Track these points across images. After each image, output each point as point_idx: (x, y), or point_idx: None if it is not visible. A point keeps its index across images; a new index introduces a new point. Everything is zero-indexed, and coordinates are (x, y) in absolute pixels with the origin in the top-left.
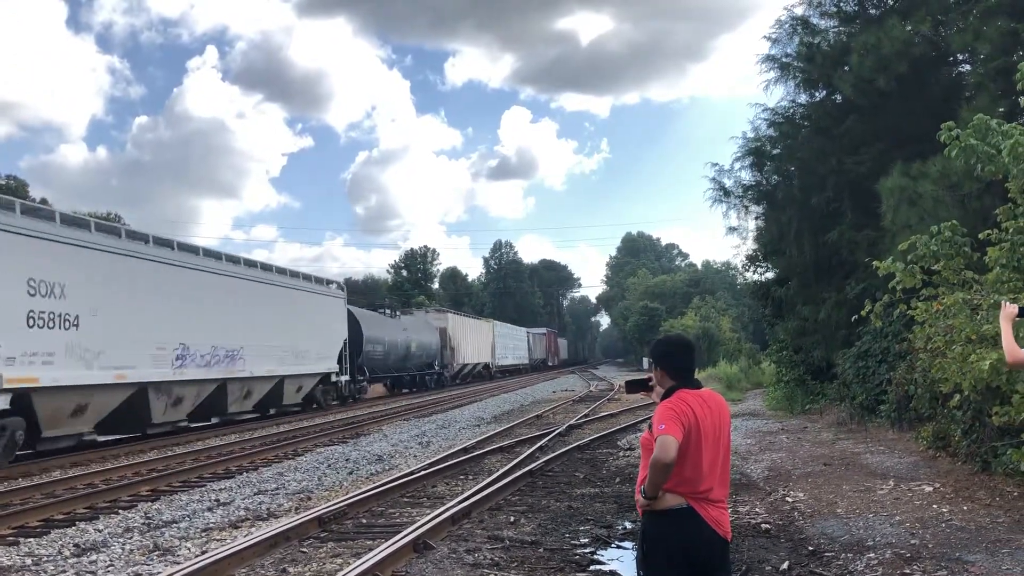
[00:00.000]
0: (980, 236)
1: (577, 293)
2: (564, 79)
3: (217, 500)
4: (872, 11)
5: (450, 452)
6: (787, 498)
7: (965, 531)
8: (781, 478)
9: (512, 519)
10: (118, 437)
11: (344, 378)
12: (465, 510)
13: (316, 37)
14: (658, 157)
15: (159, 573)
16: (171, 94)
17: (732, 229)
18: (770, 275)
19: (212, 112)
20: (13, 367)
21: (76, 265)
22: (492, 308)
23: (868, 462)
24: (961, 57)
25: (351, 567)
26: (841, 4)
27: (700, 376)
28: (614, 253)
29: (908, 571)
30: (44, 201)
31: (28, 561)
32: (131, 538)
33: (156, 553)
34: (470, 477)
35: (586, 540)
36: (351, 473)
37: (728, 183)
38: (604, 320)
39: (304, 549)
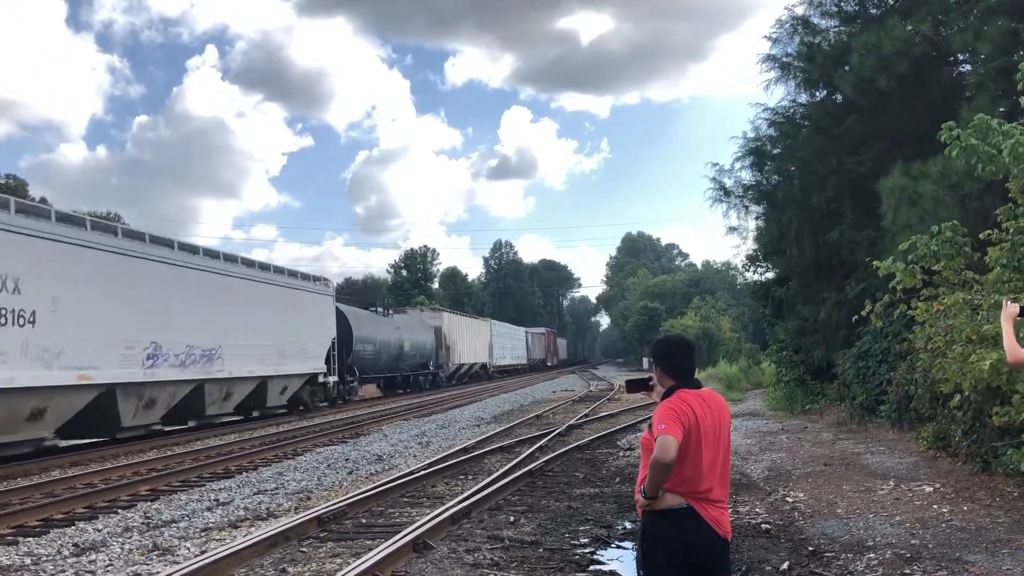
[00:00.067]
0: (980, 236)
1: (577, 293)
2: (564, 79)
3: (216, 500)
4: (873, 11)
5: (450, 452)
6: (787, 498)
7: (965, 531)
8: (781, 478)
9: (512, 519)
10: (85, 442)
11: (332, 379)
12: (465, 510)
13: (316, 37)
14: (658, 157)
15: (158, 573)
16: (171, 93)
17: (732, 229)
18: (770, 275)
19: (212, 111)
20: None
21: (33, 257)
22: (492, 308)
23: (868, 462)
24: (962, 57)
25: (351, 567)
26: (842, 4)
27: (700, 376)
28: (614, 253)
29: (908, 571)
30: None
31: (27, 561)
32: (130, 538)
33: (155, 553)
34: (470, 477)
35: (586, 540)
36: (351, 473)
37: (728, 183)
38: (604, 320)
39: (304, 549)
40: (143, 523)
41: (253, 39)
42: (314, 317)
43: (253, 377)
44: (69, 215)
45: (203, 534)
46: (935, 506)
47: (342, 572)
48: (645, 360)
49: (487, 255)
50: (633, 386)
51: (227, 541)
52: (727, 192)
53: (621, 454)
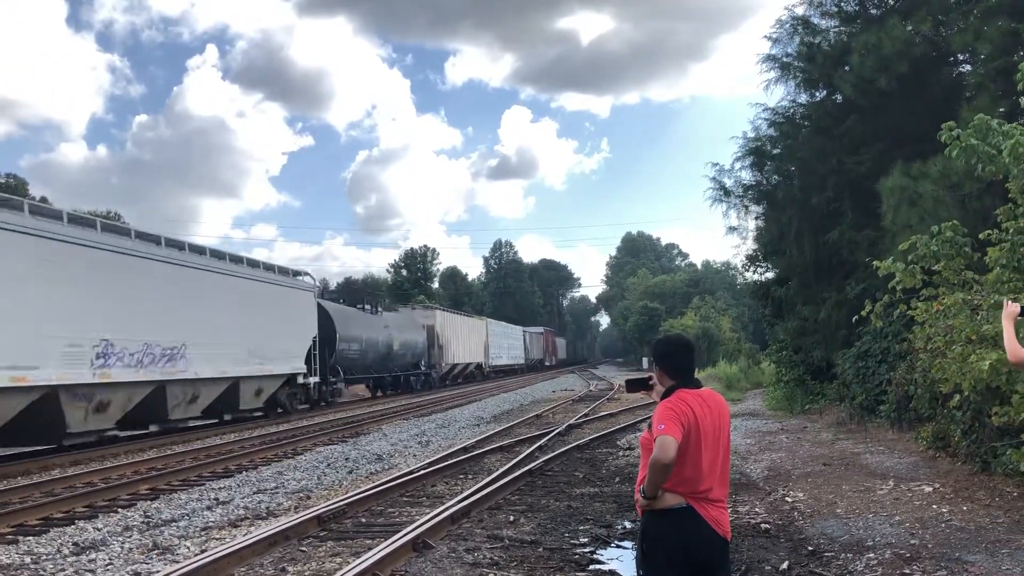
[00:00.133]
0: (980, 236)
1: (577, 293)
2: (564, 79)
3: (216, 499)
4: (873, 11)
5: (450, 451)
6: (787, 498)
7: (965, 531)
8: (781, 478)
9: (512, 518)
10: (25, 450)
11: (313, 379)
12: (464, 509)
13: (316, 36)
14: (658, 157)
15: (158, 572)
16: (171, 93)
17: (732, 229)
18: (770, 275)
19: (212, 111)
20: None
21: None
22: (492, 308)
23: (868, 462)
24: (962, 57)
25: (350, 566)
26: (842, 4)
27: (700, 376)
28: (614, 253)
29: (908, 571)
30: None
31: (27, 560)
32: (130, 537)
33: (155, 552)
34: (470, 476)
35: (585, 540)
36: (350, 472)
37: (728, 183)
38: (604, 320)
39: (303, 548)
40: (143, 522)
41: (253, 39)
42: (293, 314)
43: (223, 378)
44: (7, 198)
45: (203, 533)
46: (934, 506)
47: (342, 571)
48: (645, 360)
49: (487, 255)
50: (633, 386)
51: (227, 540)
52: (727, 192)
53: (621, 454)
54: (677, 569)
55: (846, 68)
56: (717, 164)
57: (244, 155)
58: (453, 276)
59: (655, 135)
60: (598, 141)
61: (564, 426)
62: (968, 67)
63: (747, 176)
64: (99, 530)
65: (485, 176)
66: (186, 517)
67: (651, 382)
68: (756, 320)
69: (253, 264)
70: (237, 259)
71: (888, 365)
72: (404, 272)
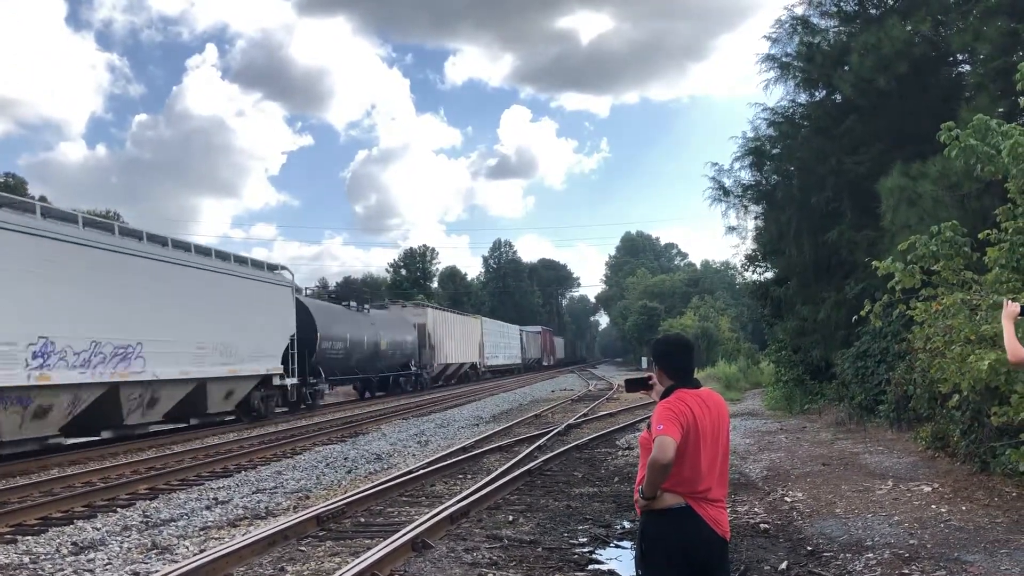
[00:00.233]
0: (980, 236)
1: (576, 293)
2: (564, 78)
3: (215, 499)
4: (872, 11)
5: (449, 451)
6: (786, 498)
7: (964, 531)
8: (780, 478)
9: (511, 518)
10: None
11: (291, 381)
12: (464, 509)
13: (316, 36)
14: (658, 157)
15: (157, 572)
16: (171, 92)
17: (731, 229)
18: (769, 275)
19: (212, 110)
20: None
21: None
22: (491, 307)
23: (867, 462)
24: (961, 57)
25: (349, 566)
26: (841, 4)
27: (699, 376)
28: (613, 252)
29: (907, 571)
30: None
31: (26, 559)
32: (129, 536)
33: (154, 552)
34: (469, 476)
35: (585, 539)
36: (349, 472)
37: (728, 182)
38: (603, 319)
39: (302, 548)
40: (142, 522)
41: (253, 38)
42: (268, 310)
43: (187, 379)
44: None
45: (202, 533)
46: (933, 506)
47: (341, 571)
48: (644, 359)
49: (486, 254)
50: (632, 385)
51: (226, 540)
52: (726, 192)
53: (620, 453)
54: (676, 569)
55: (845, 68)
56: (716, 164)
57: (244, 154)
58: (452, 276)
59: (655, 135)
60: (597, 141)
61: (563, 426)
62: (967, 67)
63: (746, 176)
64: (98, 530)
65: (484, 176)
66: (185, 517)
67: (650, 382)
68: (755, 320)
69: (223, 256)
70: (204, 251)
71: (887, 365)
72: (403, 272)
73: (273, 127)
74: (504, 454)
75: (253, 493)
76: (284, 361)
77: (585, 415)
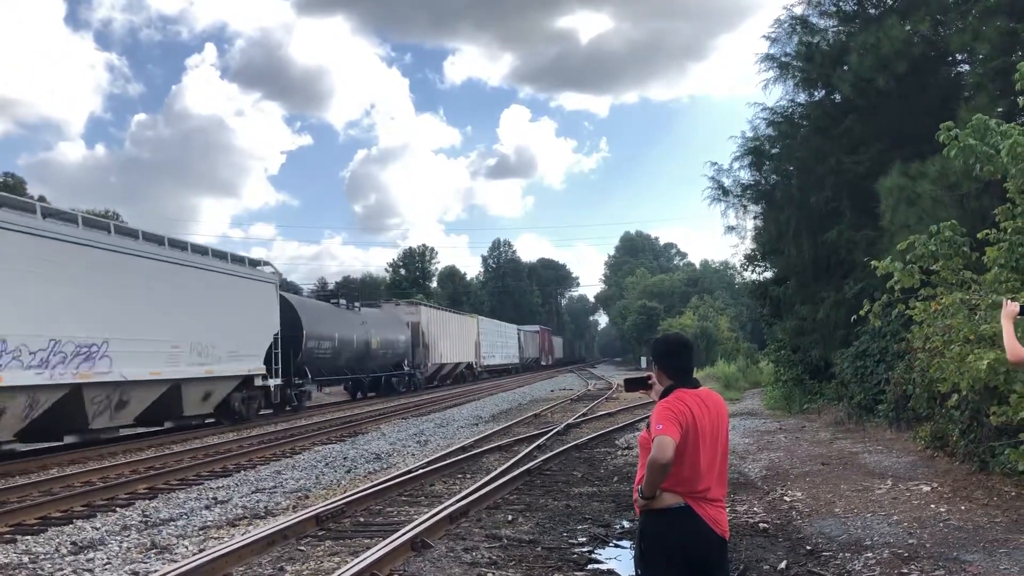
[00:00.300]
0: (979, 236)
1: (575, 292)
2: (563, 78)
3: (215, 498)
4: (871, 11)
5: (448, 451)
6: (785, 497)
7: (963, 531)
8: (779, 477)
9: (510, 518)
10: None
11: (275, 381)
12: (463, 509)
13: (315, 35)
14: (657, 157)
15: (156, 571)
16: (170, 92)
17: (731, 228)
18: (768, 274)
19: (211, 110)
20: None
21: None
22: (490, 307)
23: (866, 462)
24: (960, 57)
25: (349, 566)
26: (840, 4)
27: (698, 375)
28: (612, 252)
29: (906, 571)
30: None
31: (25, 559)
32: (129, 536)
33: (154, 551)
34: (468, 476)
35: (584, 539)
36: (349, 471)
37: (727, 182)
38: (602, 319)
39: (302, 547)
40: (141, 521)
41: (252, 37)
42: (249, 308)
43: (160, 380)
44: None
45: (201, 532)
46: (932, 505)
47: (340, 571)
48: (643, 359)
49: (485, 254)
50: (632, 385)
51: (225, 539)
52: (726, 191)
53: (619, 453)
54: (675, 568)
55: (844, 68)
56: (716, 164)
57: (243, 154)
58: (451, 275)
59: (654, 135)
60: (597, 140)
61: (562, 425)
62: (966, 67)
63: (746, 176)
64: (97, 529)
65: (484, 175)
66: (184, 516)
67: (650, 381)
68: (754, 320)
69: (200, 251)
70: (179, 244)
71: (886, 365)
72: (403, 271)
73: (272, 127)
74: (503, 454)
75: (252, 493)
76: (268, 361)
77: (584, 415)
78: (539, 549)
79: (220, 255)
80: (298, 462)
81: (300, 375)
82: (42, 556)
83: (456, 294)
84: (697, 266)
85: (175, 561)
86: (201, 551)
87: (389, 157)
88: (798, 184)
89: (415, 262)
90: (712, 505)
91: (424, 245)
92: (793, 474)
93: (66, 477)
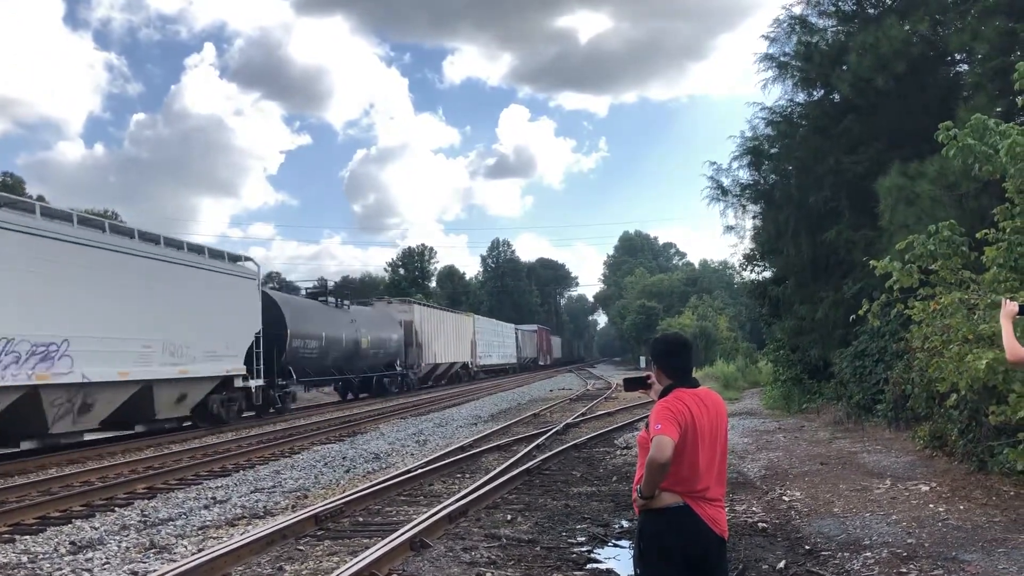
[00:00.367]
0: (977, 236)
1: (575, 292)
2: (563, 78)
3: (214, 498)
4: (870, 10)
5: (447, 450)
6: (784, 497)
7: (961, 530)
8: (778, 477)
9: (509, 517)
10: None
11: (256, 382)
12: (462, 508)
13: (314, 35)
14: (656, 156)
15: (155, 571)
16: (169, 91)
17: (729, 228)
18: (767, 274)
19: (210, 109)
20: None
21: None
22: (489, 306)
23: (865, 461)
24: (959, 57)
25: (348, 565)
26: (839, 3)
27: (697, 375)
28: (611, 252)
29: (904, 570)
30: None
31: (24, 559)
32: (127, 536)
33: (152, 551)
34: (467, 475)
35: (583, 538)
36: (348, 471)
37: (726, 182)
38: (601, 319)
39: (301, 547)
40: (140, 521)
41: (251, 37)
42: (228, 305)
43: (128, 382)
44: None
45: (200, 532)
46: (931, 505)
47: (339, 570)
48: (642, 359)
49: (485, 254)
50: (631, 384)
51: (224, 539)
52: (725, 191)
53: (618, 452)
54: (674, 568)
55: (844, 67)
56: (715, 163)
57: (242, 154)
58: (451, 275)
59: (653, 134)
60: (596, 140)
61: (561, 425)
62: (965, 67)
63: (745, 175)
64: (96, 529)
65: (483, 175)
66: (183, 516)
67: (649, 381)
68: (753, 319)
69: (175, 245)
70: (151, 238)
71: (885, 364)
72: (402, 271)
73: (271, 126)
74: (502, 453)
75: (251, 492)
76: (249, 361)
77: (583, 414)
78: (538, 549)
79: (197, 249)
80: (297, 462)
81: (284, 376)
82: (41, 556)
83: (455, 294)
84: (696, 266)
85: (174, 561)
86: (200, 551)
87: (388, 157)
88: (797, 184)
89: (414, 262)
90: (711, 504)
91: (423, 245)
92: (792, 474)
93: (65, 477)
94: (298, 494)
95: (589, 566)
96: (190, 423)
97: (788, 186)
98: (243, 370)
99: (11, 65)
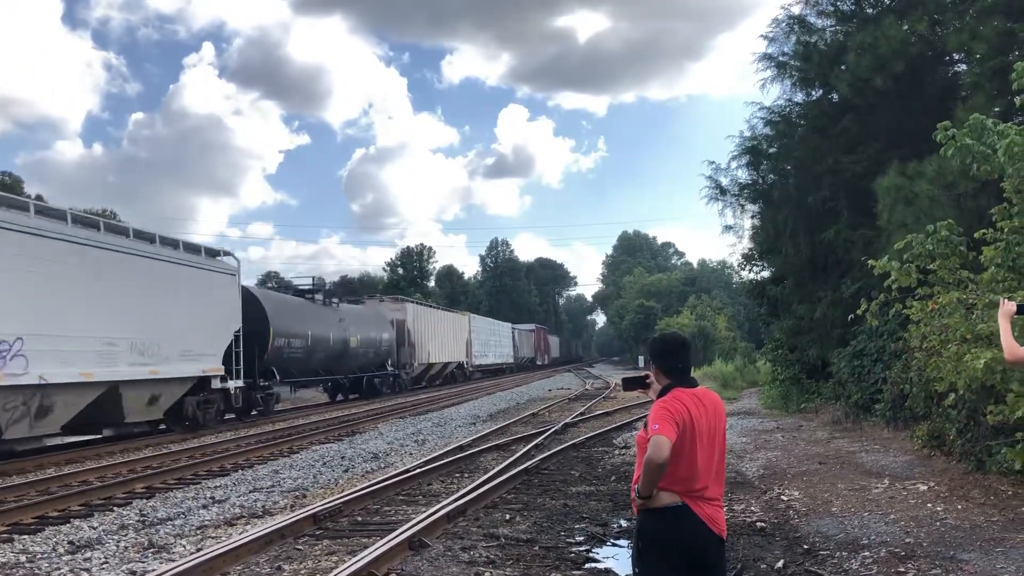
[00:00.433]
0: (975, 235)
1: (573, 292)
2: (561, 77)
3: (212, 497)
4: (869, 10)
5: (446, 450)
6: (782, 496)
7: (960, 530)
8: (776, 477)
9: (508, 517)
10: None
11: (236, 383)
12: (461, 508)
13: (313, 34)
14: (655, 156)
15: (154, 571)
16: (168, 91)
17: (728, 228)
18: (766, 274)
19: (209, 109)
20: None
21: None
22: (488, 306)
23: (863, 461)
24: (957, 57)
25: (346, 565)
26: (838, 3)
27: (696, 375)
28: (610, 252)
29: (903, 569)
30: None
31: (22, 559)
32: (126, 535)
33: (151, 551)
34: (466, 475)
35: (581, 538)
36: (346, 471)
37: (724, 182)
38: (600, 318)
39: (299, 547)
40: (139, 521)
41: (250, 36)
42: (205, 302)
43: (92, 383)
44: None
45: (199, 532)
46: (929, 505)
47: (338, 570)
48: (641, 358)
49: (483, 253)
50: (630, 384)
51: (223, 539)
52: (723, 191)
53: (617, 452)
54: (673, 567)
55: (842, 67)
56: (714, 163)
57: (241, 153)
58: (449, 274)
59: (652, 134)
60: (595, 140)
61: (560, 424)
62: (964, 67)
63: (743, 175)
64: (94, 528)
65: (482, 175)
66: (182, 516)
67: (648, 380)
68: (752, 319)
69: (146, 237)
70: (119, 230)
71: (883, 364)
72: (401, 271)
73: (270, 126)
74: (501, 453)
75: (250, 492)
76: (229, 361)
77: (582, 414)
78: (537, 548)
79: (171, 243)
80: (295, 461)
81: (267, 377)
82: (39, 555)
83: (454, 293)
84: (695, 265)
85: (172, 560)
86: (199, 550)
87: (387, 156)
88: (796, 183)
89: (413, 261)
90: (709, 504)
91: (422, 244)
92: (790, 473)
93: (63, 476)
94: (297, 494)
95: (588, 565)
96: (164, 427)
97: (787, 186)
98: (221, 370)
99: (10, 64)
